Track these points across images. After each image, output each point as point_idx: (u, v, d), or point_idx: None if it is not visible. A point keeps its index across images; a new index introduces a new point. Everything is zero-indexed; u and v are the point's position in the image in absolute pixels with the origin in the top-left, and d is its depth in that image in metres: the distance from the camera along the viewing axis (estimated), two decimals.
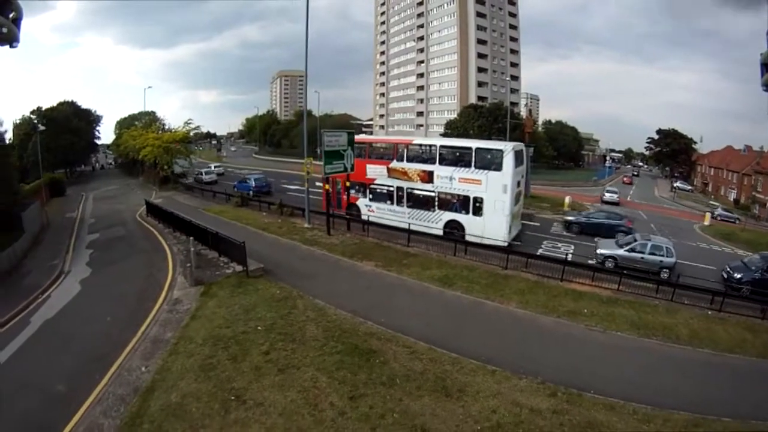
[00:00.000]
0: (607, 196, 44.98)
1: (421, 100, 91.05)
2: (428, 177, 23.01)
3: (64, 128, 58.02)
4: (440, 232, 22.61)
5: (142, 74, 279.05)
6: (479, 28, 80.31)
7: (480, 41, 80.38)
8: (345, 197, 26.25)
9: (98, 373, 11.45)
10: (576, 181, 64.02)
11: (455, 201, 22.52)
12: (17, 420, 9.92)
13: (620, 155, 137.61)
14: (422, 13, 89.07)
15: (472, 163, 21.72)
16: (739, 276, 19.13)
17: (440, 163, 22.88)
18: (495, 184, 21.10)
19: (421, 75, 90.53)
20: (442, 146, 23.91)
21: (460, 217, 22.35)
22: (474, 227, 21.76)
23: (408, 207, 23.99)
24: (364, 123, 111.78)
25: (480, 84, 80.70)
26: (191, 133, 51.87)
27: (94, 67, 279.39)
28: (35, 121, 57.54)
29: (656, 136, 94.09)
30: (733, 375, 11.57)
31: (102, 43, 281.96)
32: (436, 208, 23.09)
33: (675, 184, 70.03)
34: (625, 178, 77.69)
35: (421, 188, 23.32)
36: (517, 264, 18.53)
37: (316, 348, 11.64)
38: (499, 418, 8.85)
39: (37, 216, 32.52)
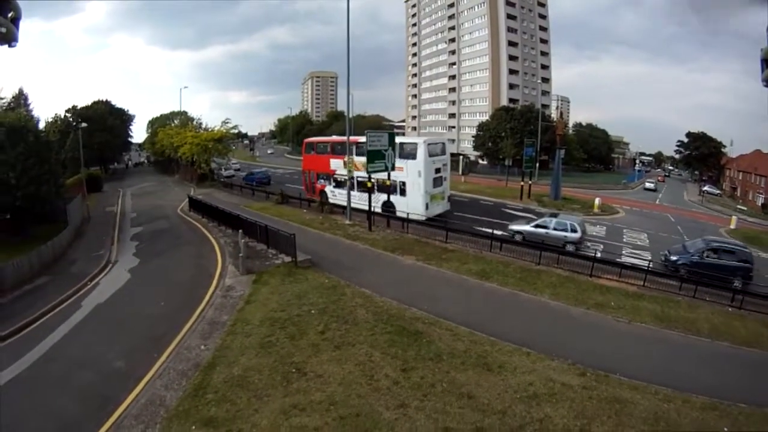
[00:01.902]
0: (647, 185, 69.14)
1: (453, 102, 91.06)
2: None
3: (99, 126, 59.94)
4: (380, 210, 27.23)
5: (172, 74, 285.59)
6: (510, 30, 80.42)
7: (511, 43, 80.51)
8: (318, 185, 32.80)
9: (156, 351, 12.32)
10: (606, 183, 64.34)
11: (388, 185, 27.02)
12: (77, 392, 10.77)
13: (650, 159, 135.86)
14: (453, 15, 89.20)
15: (397, 155, 26.01)
16: (674, 258, 20.55)
17: None
18: (413, 171, 25.98)
19: (452, 77, 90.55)
20: None
21: (392, 197, 27.40)
22: (401, 205, 26.40)
23: (358, 191, 28.87)
24: (396, 124, 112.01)
25: (511, 86, 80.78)
26: (229, 132, 53.13)
27: (125, 68, 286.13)
28: (70, 119, 59.61)
29: (686, 140, 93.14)
30: (750, 366, 12.02)
31: (133, 44, 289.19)
32: (376, 191, 27.51)
33: (703, 188, 69.45)
34: (659, 177, 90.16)
35: (365, 176, 26.63)
36: (549, 260, 19.49)
37: (367, 328, 12.75)
38: (535, 390, 9.90)
39: (79, 209, 33.73)
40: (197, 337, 12.93)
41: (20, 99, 52.48)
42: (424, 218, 25.04)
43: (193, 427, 8.95)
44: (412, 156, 26.22)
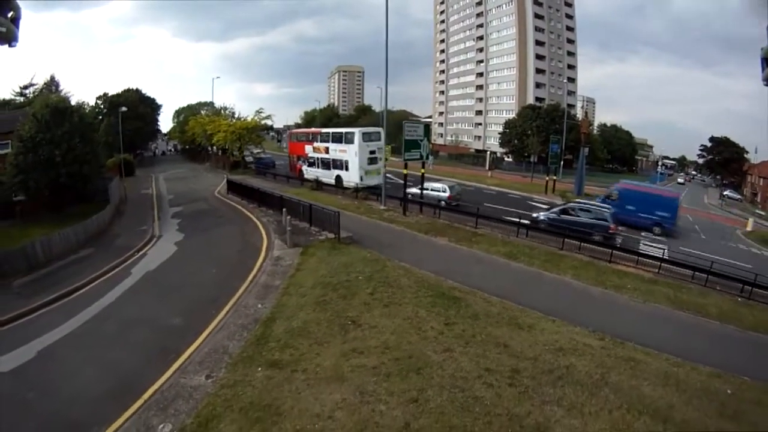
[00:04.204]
0: (679, 180, 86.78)
1: (480, 99, 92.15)
2: (326, 150, 37.30)
3: (131, 113, 60.14)
4: (333, 182, 35.97)
5: (197, 65, 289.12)
6: (537, 29, 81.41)
7: (538, 42, 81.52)
8: (298, 165, 41.89)
9: (213, 309, 13.43)
10: None
11: (338, 163, 35.90)
12: (136, 345, 11.69)
13: (673, 162, 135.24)
14: (481, 12, 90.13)
15: (343, 140, 35.12)
16: (536, 215, 25.57)
17: (331, 142, 36.84)
18: (352, 152, 33.95)
19: (480, 74, 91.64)
20: (332, 132, 38.32)
21: (340, 172, 35.71)
22: (345, 177, 34.78)
23: (321, 169, 38.21)
24: (423, 119, 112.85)
25: (538, 85, 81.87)
26: (263, 122, 54.43)
27: (150, 58, 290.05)
28: (101, 106, 61.68)
29: (709, 144, 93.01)
30: (755, 348, 12.86)
31: (158, 36, 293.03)
32: (331, 168, 36.81)
33: (724, 193, 69.74)
34: (686, 177, 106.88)
35: (324, 157, 37.58)
36: (571, 246, 20.89)
37: (411, 292, 14.27)
38: (561, 345, 11.35)
39: (117, 190, 35.28)
40: (253, 298, 14.16)
41: (51, 85, 53.92)
42: (358, 186, 32.70)
43: (260, 369, 9.90)
44: (351, 141, 34.02)
